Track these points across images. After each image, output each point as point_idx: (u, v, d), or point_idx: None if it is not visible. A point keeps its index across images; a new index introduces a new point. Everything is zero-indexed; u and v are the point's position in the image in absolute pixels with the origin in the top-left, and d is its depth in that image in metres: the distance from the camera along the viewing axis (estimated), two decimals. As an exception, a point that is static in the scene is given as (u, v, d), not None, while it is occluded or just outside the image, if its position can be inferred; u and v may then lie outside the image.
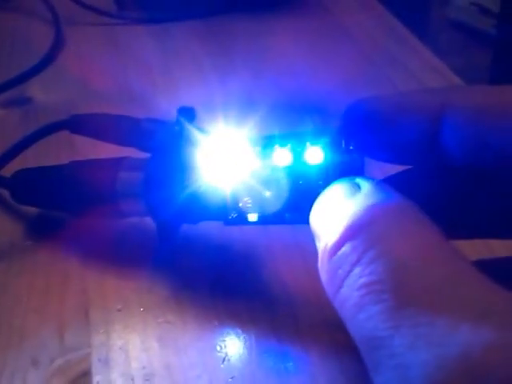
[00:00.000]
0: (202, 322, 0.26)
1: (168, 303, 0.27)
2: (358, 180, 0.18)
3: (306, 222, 0.21)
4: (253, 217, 0.23)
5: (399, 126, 0.19)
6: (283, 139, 0.22)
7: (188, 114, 0.26)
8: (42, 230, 0.31)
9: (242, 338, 0.25)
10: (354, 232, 0.16)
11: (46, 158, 0.34)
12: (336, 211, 0.18)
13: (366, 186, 0.18)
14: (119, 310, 0.27)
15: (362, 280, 0.15)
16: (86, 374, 0.24)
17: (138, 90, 0.42)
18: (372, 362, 0.15)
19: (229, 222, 0.23)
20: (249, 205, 0.23)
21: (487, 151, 0.18)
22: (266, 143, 0.22)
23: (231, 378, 0.24)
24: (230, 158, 0.23)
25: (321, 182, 0.21)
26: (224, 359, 0.24)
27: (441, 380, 0.13)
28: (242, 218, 0.23)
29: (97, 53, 0.47)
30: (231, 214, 0.23)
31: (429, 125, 0.19)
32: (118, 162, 0.28)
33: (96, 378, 0.24)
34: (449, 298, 0.14)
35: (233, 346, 0.25)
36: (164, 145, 0.26)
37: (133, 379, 0.24)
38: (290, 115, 0.38)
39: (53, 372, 0.24)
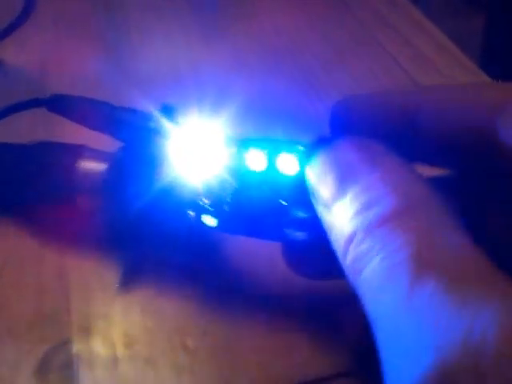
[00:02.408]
0: (181, 289, 0.25)
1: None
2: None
3: (267, 237, 0.22)
4: (212, 221, 0.22)
5: (373, 124, 0.20)
6: (259, 143, 0.21)
7: (168, 111, 0.25)
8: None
9: (223, 301, 0.25)
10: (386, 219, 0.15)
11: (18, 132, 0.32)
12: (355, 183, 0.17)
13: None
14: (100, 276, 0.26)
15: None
16: (67, 343, 0.23)
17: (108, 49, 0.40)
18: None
19: (189, 222, 0.23)
20: (208, 206, 0.22)
21: (452, 149, 0.18)
22: (242, 145, 0.21)
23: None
24: (203, 156, 0.22)
25: (285, 203, 0.20)
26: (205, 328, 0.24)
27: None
28: (199, 218, 0.22)
29: (70, 11, 0.45)
30: (189, 212, 0.23)
31: (402, 123, 0.19)
32: (79, 149, 0.27)
33: (76, 347, 0.23)
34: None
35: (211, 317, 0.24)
36: (135, 136, 0.25)
37: (114, 347, 0.23)
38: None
39: (31, 341, 0.23)
